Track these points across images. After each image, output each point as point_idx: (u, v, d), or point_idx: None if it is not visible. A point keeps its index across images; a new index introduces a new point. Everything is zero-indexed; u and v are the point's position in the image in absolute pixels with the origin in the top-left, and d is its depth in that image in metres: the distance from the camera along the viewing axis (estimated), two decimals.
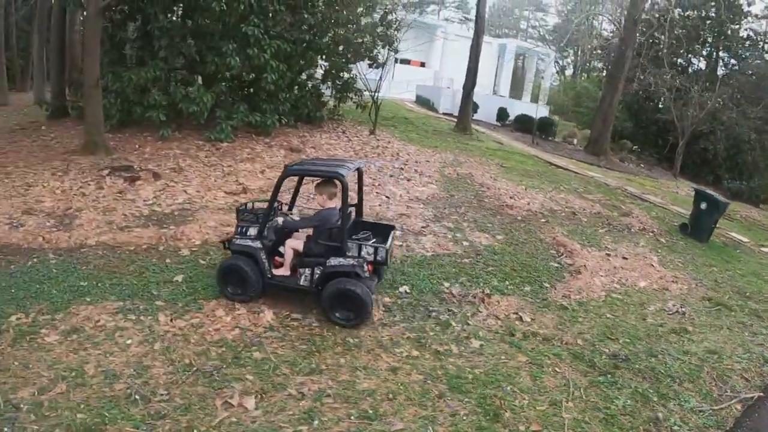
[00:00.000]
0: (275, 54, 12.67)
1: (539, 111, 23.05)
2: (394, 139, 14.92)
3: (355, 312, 4.90)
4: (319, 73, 15.95)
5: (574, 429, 3.80)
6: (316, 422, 3.52)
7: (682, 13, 25.27)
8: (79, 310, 4.89)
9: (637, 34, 20.58)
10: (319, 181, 5.36)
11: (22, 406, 3.54)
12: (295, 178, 5.90)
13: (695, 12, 26.75)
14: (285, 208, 5.97)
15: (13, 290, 5.23)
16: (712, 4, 26.05)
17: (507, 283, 6.60)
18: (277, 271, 5.21)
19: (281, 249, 5.33)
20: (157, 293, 5.32)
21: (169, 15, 12.99)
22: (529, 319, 5.66)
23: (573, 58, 39.70)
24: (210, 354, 4.29)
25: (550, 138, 21.84)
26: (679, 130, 22.97)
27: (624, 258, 8.66)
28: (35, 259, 5.93)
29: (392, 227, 5.89)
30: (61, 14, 17.21)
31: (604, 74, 33.61)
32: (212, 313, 4.92)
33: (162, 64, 12.34)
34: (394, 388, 3.97)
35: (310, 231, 5.28)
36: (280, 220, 5.28)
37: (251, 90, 13.79)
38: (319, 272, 4.99)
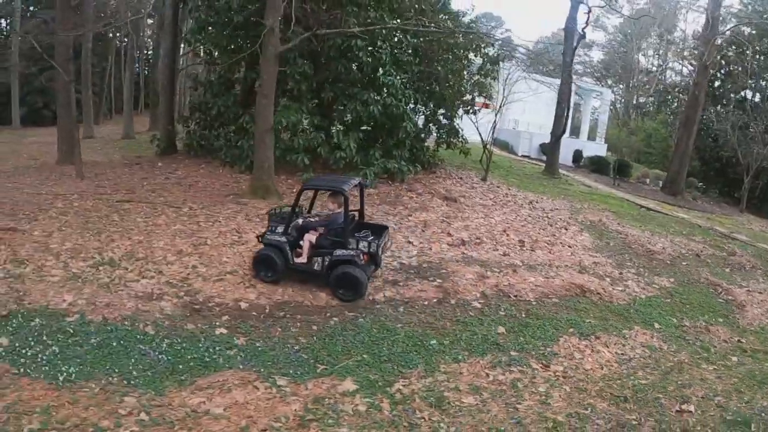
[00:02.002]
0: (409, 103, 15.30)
1: (597, 149, 26.36)
2: (505, 184, 17.76)
3: (353, 290, 7.29)
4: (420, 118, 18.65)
5: None
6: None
7: (738, 50, 28.76)
8: (452, 369, 6.03)
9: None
10: (330, 193, 7.99)
11: None
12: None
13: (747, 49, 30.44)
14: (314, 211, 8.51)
15: (363, 354, 6.06)
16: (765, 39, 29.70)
17: (706, 316, 9.31)
18: (297, 259, 7.61)
19: (301, 242, 7.66)
20: (502, 344, 6.74)
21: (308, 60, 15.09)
22: (744, 341, 8.39)
23: (622, 93, 43.58)
24: (613, 387, 6.09)
25: (625, 179, 25.07)
26: (744, 166, 26.20)
27: (759, 293, 11.44)
28: (334, 319, 6.90)
29: (386, 227, 8.44)
30: (172, 57, 19.93)
31: (651, 108, 37.35)
32: (570, 355, 6.68)
33: (305, 109, 14.58)
34: (740, 385, 6.53)
35: (323, 229, 7.70)
36: (300, 220, 7.78)
37: (382, 137, 16.19)
38: (327, 260, 7.37)
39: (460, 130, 18.31)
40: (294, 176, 14.52)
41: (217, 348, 5.99)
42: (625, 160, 26.55)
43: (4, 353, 5.58)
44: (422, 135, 18.15)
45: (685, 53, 37.07)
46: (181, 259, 8.21)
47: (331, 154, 14.69)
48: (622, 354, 7.04)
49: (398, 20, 15.34)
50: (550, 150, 21.96)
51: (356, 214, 8.37)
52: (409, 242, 10.10)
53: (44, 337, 5.88)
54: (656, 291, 10.00)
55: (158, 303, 6.88)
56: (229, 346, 6.05)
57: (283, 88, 15.35)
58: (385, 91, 14.90)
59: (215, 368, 5.66)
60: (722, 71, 29.50)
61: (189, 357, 5.80)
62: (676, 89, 32.76)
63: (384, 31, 14.56)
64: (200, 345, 5.99)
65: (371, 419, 5.03)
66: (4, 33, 38.96)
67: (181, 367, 5.64)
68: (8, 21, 37.96)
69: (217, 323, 6.54)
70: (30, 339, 5.84)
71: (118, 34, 30.93)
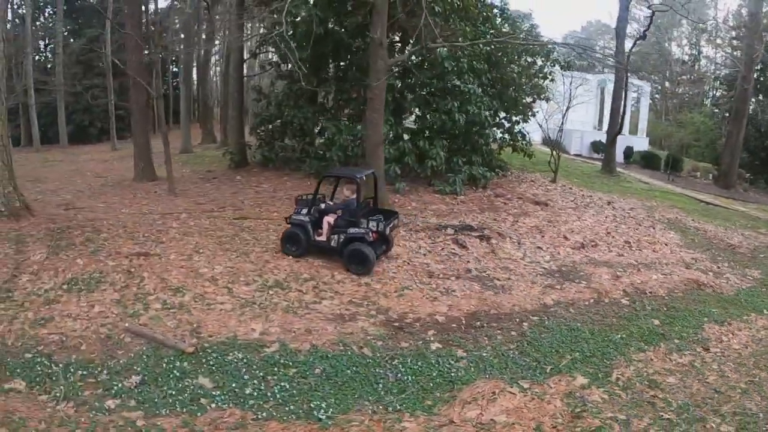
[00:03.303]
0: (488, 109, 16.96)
1: (641, 144, 28.52)
2: (574, 185, 19.73)
3: (362, 265, 9.16)
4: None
5: None
6: None
7: None
8: (642, 357, 7.39)
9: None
10: (346, 181, 10.25)
11: None
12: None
13: None
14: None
15: (574, 353, 7.12)
16: None
17: None
18: (318, 237, 9.68)
19: (322, 223, 9.71)
20: (664, 333, 8.26)
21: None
22: None
23: (659, 85, 45.49)
24: (764, 360, 7.74)
25: (677, 173, 27.24)
26: None
27: None
28: (525, 324, 7.99)
29: (395, 213, 10.54)
30: (240, 71, 21.45)
31: (687, 99, 39.42)
32: (719, 338, 8.30)
33: (391, 120, 16.07)
34: None
35: (340, 212, 9.70)
36: (322, 204, 9.90)
37: (459, 144, 17.73)
38: (342, 238, 9.36)
39: (526, 133, 20.15)
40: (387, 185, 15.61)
41: (449, 362, 6.52)
42: (677, 156, 28.73)
43: (219, 396, 5.59)
44: (490, 139, 20.04)
45: (718, 41, 39.26)
46: (350, 277, 9.12)
47: (419, 162, 16.29)
48: (753, 335, 8.92)
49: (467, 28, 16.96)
50: (607, 148, 24.05)
51: (370, 200, 10.53)
52: (539, 248, 11.90)
53: (258, 372, 6.02)
54: (753, 282, 11.95)
55: (355, 324, 7.37)
56: (455, 358, 6.62)
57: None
58: (464, 98, 16.30)
59: (462, 381, 6.19)
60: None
61: (432, 374, 6.29)
62: (717, 80, 34.79)
63: (462, 40, 16.10)
64: (432, 361, 6.46)
65: (619, 403, 6.03)
66: (43, 53, 40.82)
67: (431, 384, 6.11)
68: (46, 42, 39.71)
69: (428, 338, 7.14)
70: (243, 376, 5.91)
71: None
